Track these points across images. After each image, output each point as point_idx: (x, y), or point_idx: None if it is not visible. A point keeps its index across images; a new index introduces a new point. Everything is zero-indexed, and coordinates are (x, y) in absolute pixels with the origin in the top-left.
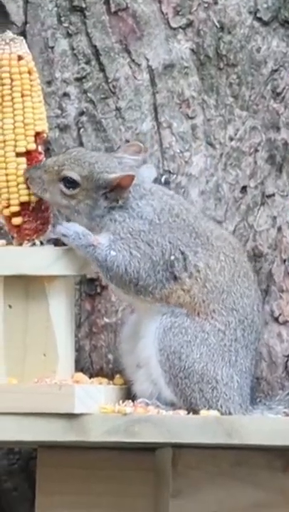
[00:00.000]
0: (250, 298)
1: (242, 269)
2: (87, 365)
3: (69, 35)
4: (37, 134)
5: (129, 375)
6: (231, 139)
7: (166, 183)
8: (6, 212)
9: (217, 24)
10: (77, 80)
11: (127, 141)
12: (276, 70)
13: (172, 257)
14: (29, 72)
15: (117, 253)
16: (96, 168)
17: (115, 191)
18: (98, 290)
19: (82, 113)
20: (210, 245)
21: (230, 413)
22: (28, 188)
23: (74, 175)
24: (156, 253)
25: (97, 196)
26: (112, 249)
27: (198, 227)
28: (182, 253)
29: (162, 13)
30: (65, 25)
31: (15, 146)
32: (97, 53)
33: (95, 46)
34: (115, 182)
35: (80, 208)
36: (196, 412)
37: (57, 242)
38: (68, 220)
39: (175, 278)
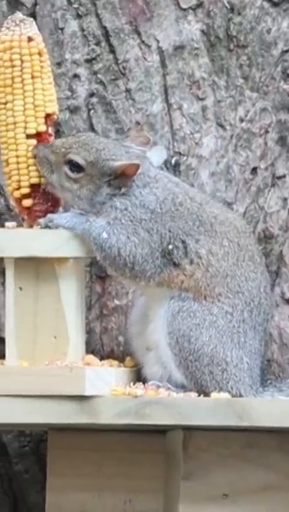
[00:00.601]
0: (255, 281)
1: (247, 253)
2: (97, 347)
3: (79, 16)
4: (47, 116)
5: (139, 358)
6: (242, 121)
7: (177, 164)
8: (17, 194)
9: (227, 5)
10: (88, 61)
11: (138, 122)
12: (286, 51)
13: (170, 246)
14: (39, 54)
15: (109, 236)
16: (102, 155)
17: (119, 179)
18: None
19: (92, 94)
20: (213, 232)
21: (240, 395)
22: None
23: (79, 159)
24: (156, 240)
25: (101, 183)
26: (105, 230)
27: (202, 215)
28: (183, 242)
29: None
30: (75, 6)
31: (25, 128)
32: (107, 34)
33: (105, 27)
34: (120, 170)
35: (81, 192)
36: (206, 394)
37: None
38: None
39: (175, 264)
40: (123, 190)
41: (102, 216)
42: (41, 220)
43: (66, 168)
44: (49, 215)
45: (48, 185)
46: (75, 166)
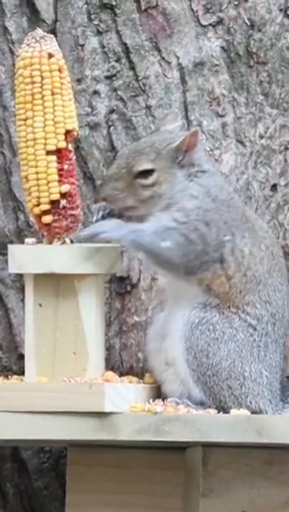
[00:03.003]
0: (281, 292)
1: (278, 264)
2: (117, 363)
3: (99, 32)
4: (67, 132)
5: (158, 375)
6: (261, 137)
7: None
8: (36, 210)
9: (247, 22)
10: (108, 77)
11: None
12: None
13: (226, 238)
14: (59, 70)
15: (170, 243)
16: (158, 146)
17: (187, 156)
18: (128, 288)
19: (112, 111)
20: (254, 233)
21: (260, 409)
22: (59, 183)
23: (145, 165)
24: (212, 234)
25: (174, 170)
26: (157, 235)
27: (247, 211)
28: (233, 234)
29: (192, 10)
30: (96, 22)
31: (45, 144)
32: (127, 51)
33: (125, 44)
34: (184, 145)
35: (162, 190)
36: (225, 410)
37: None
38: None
39: (221, 261)
40: (197, 166)
41: (176, 206)
42: (85, 233)
43: (140, 181)
44: (95, 228)
45: (127, 211)
46: (146, 173)
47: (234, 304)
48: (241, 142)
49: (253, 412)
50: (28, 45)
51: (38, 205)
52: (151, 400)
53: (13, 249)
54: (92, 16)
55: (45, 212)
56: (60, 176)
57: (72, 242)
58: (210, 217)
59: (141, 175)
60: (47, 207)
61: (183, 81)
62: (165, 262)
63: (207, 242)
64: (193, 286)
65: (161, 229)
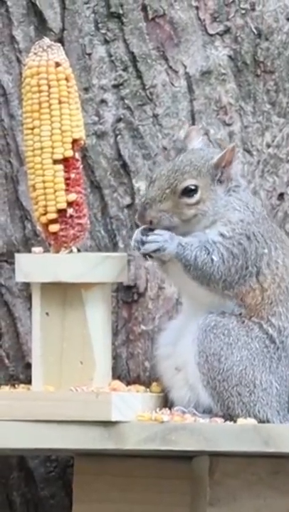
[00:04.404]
0: None
1: None
2: (124, 372)
3: (106, 41)
4: (74, 141)
5: (167, 381)
6: (268, 146)
7: None
8: (43, 219)
9: (254, 31)
10: (115, 86)
11: (164, 148)
12: None
13: (264, 251)
14: (66, 79)
15: (216, 257)
16: (197, 164)
17: (226, 171)
18: (135, 297)
19: (119, 120)
20: (284, 243)
21: (267, 418)
22: (66, 192)
23: (189, 181)
24: (252, 247)
25: (214, 187)
26: (203, 250)
27: (274, 223)
28: (268, 247)
29: (200, 19)
30: (103, 31)
31: (52, 153)
32: (134, 60)
33: (132, 53)
34: (224, 161)
35: (205, 207)
36: (232, 418)
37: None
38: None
39: (258, 274)
40: (234, 181)
41: (222, 221)
42: (148, 248)
43: (185, 199)
44: (152, 246)
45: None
46: (190, 191)
47: (259, 315)
48: (248, 151)
49: (260, 422)
50: (35, 54)
51: (45, 214)
52: (158, 409)
53: (20, 258)
54: (100, 25)
55: (52, 221)
56: (67, 184)
57: (79, 250)
58: (252, 231)
59: (185, 194)
60: (54, 216)
61: (190, 90)
62: (205, 276)
63: (247, 257)
64: (225, 299)
65: (207, 243)
